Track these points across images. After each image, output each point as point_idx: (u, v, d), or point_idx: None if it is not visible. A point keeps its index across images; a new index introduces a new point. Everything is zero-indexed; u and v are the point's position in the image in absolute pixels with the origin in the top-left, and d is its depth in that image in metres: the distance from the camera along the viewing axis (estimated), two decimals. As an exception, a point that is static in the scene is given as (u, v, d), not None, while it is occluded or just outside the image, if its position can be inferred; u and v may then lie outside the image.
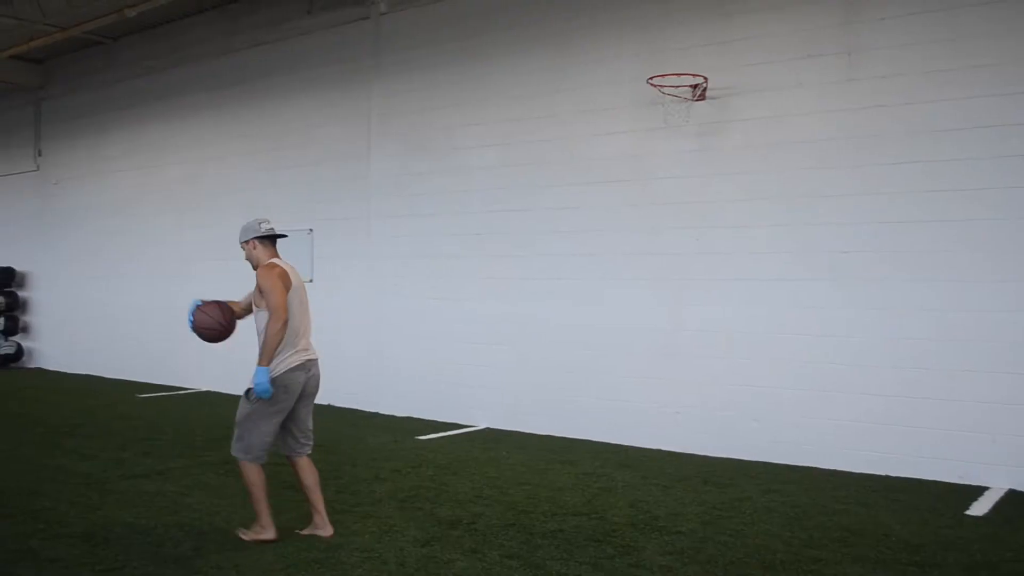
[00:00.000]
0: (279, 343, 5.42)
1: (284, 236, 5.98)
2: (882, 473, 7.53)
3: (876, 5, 7.75)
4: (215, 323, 5.75)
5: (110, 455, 8.21)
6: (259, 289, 5.57)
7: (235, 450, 5.67)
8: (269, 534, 5.60)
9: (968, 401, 7.23)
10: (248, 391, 5.53)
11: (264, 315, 5.51)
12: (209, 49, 13.49)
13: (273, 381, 5.41)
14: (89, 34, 13.96)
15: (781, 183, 8.21)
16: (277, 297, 5.45)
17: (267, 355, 5.39)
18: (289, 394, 5.53)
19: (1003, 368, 7.09)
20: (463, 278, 10.44)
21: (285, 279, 5.56)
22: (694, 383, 8.66)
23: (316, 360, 5.70)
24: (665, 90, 8.52)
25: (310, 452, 5.81)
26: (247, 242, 5.83)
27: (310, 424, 5.79)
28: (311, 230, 11.94)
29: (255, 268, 5.75)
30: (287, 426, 5.68)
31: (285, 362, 5.49)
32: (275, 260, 5.76)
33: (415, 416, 10.65)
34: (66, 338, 15.95)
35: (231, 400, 11.94)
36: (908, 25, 7.58)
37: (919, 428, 7.44)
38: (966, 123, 7.29)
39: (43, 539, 5.57)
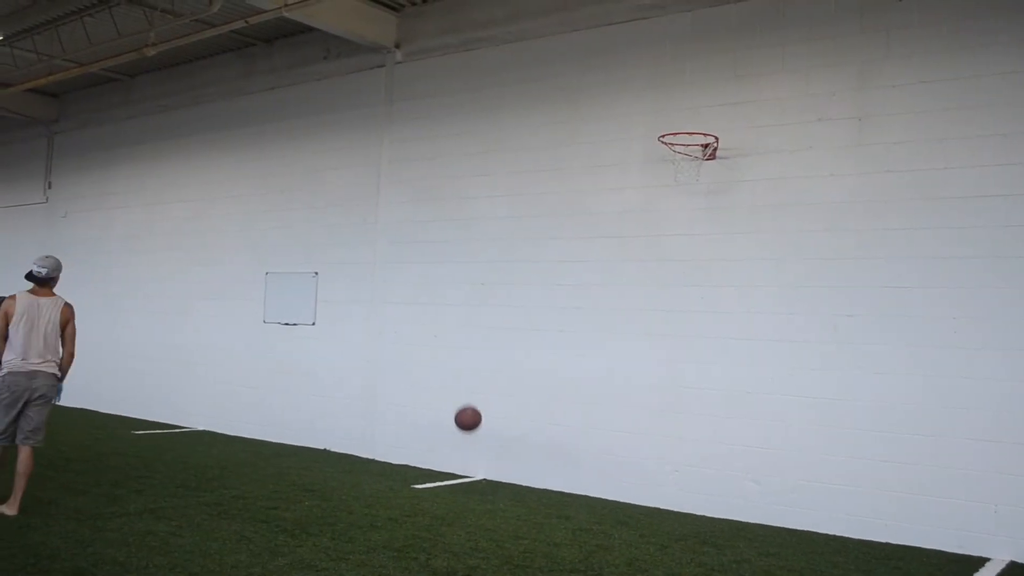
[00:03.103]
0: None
1: (36, 278, 7.60)
2: (882, 540, 7.45)
3: (888, 73, 7.84)
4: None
5: (102, 491, 8.12)
6: None
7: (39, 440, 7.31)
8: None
9: (971, 470, 7.17)
10: None
11: None
12: (224, 90, 13.63)
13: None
14: (106, 71, 14.12)
15: (788, 244, 8.24)
16: None
17: None
18: (12, 393, 7.14)
19: (1007, 437, 7.05)
20: (466, 327, 10.42)
21: (9, 309, 7.32)
22: (694, 441, 8.60)
23: (39, 372, 7.34)
24: (676, 148, 8.60)
25: (31, 445, 7.21)
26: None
27: (33, 424, 7.25)
28: (316, 273, 11.96)
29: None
30: (19, 422, 7.23)
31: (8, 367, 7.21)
32: (17, 293, 7.48)
33: (412, 464, 10.56)
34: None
35: (228, 440, 11.90)
36: (919, 93, 7.66)
37: (921, 496, 7.37)
38: (975, 191, 7.34)
39: (32, 574, 5.49)
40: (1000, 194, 7.24)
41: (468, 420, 7.70)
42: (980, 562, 6.85)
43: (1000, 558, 6.93)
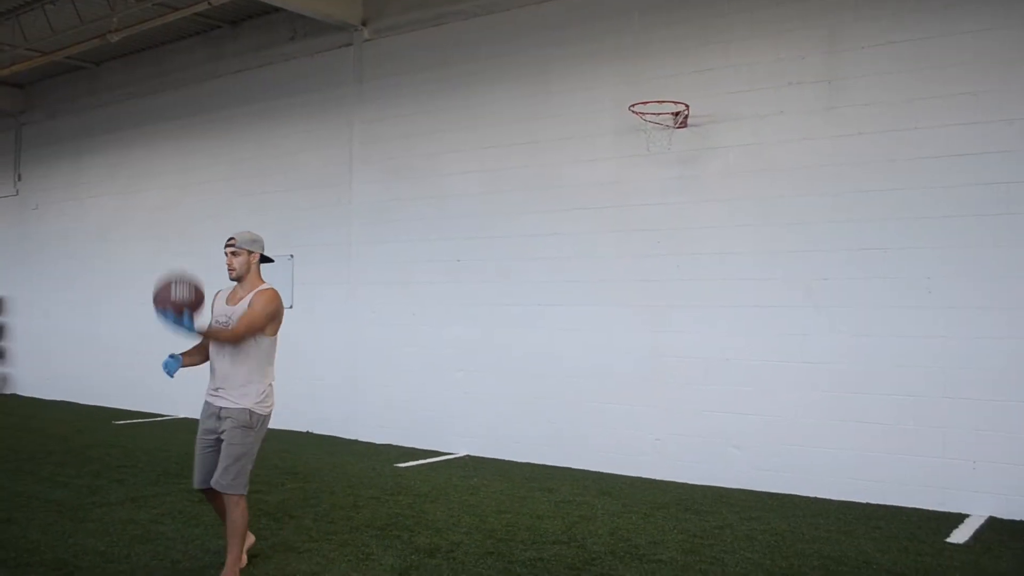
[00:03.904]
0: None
1: (271, 261, 5.70)
2: (863, 500, 7.50)
3: (857, 34, 7.82)
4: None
5: (83, 482, 8.07)
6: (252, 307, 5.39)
7: (239, 487, 5.30)
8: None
9: (949, 428, 7.22)
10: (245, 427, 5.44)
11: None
12: (192, 75, 13.47)
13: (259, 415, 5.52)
14: (71, 59, 13.93)
15: (762, 210, 8.23)
16: (263, 323, 5.38)
17: (219, 336, 5.53)
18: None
19: (984, 395, 7.10)
20: (444, 304, 10.39)
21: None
22: (674, 410, 8.63)
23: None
24: (647, 117, 8.56)
25: None
26: (252, 253, 5.52)
27: None
28: (292, 256, 11.88)
29: (238, 280, 5.58)
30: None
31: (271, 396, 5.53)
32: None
33: (394, 444, 10.56)
34: (42, 364, 15.78)
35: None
36: (888, 54, 7.65)
37: (899, 455, 7.42)
38: (945, 151, 7.34)
39: (12, 567, 5.46)
40: (972, 153, 7.24)
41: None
42: (959, 518, 6.92)
43: (979, 514, 7.00)
